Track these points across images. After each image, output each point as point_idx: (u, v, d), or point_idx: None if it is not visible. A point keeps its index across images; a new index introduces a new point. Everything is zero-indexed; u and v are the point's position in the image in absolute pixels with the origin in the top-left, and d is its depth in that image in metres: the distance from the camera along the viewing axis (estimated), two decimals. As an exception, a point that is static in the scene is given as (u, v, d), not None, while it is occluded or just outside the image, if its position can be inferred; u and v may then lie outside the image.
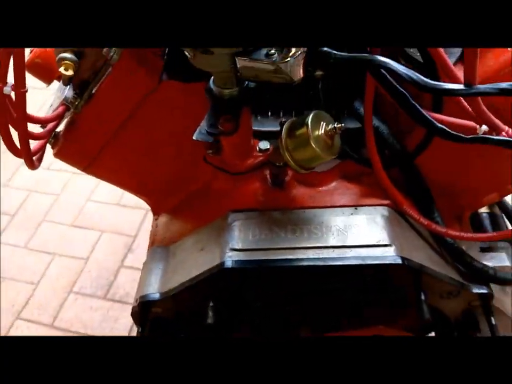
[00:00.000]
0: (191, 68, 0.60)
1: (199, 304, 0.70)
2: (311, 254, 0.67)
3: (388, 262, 0.65)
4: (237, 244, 0.69)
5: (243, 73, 0.57)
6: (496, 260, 0.86)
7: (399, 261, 0.65)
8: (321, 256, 0.66)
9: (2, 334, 1.64)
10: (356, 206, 0.72)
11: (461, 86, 0.52)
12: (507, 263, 0.88)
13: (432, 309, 0.74)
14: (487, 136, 0.57)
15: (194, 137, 0.63)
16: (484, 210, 1.06)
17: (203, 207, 0.80)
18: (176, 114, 0.74)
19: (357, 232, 0.69)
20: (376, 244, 0.67)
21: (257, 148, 0.74)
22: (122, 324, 1.70)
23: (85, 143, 0.78)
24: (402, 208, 0.72)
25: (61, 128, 0.81)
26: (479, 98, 0.55)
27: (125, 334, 1.66)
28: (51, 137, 0.80)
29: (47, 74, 0.75)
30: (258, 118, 0.79)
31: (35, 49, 0.74)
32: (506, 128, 0.60)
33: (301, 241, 0.68)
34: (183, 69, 0.64)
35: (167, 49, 0.70)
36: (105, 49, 0.65)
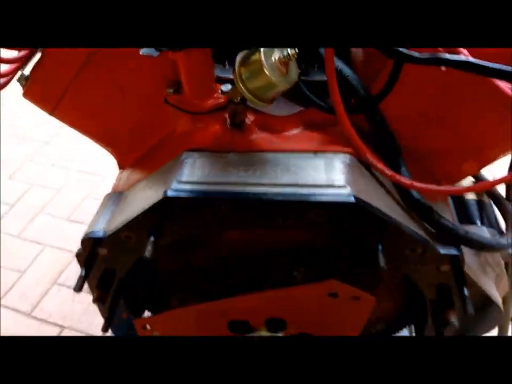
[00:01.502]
0: None
1: (140, 239, 0.66)
2: (261, 190, 0.63)
3: (339, 200, 0.60)
4: (185, 177, 0.65)
5: None
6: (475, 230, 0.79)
7: (352, 200, 0.60)
8: (269, 192, 0.62)
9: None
10: (315, 152, 0.68)
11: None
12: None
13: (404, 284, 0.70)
14: (442, 55, 0.53)
15: (141, 52, 0.62)
16: (471, 197, 1.00)
17: (161, 151, 0.77)
18: (138, 57, 0.74)
19: (313, 173, 0.64)
20: (330, 184, 0.63)
21: (219, 90, 0.73)
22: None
23: (49, 83, 0.78)
24: (365, 157, 0.67)
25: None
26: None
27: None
28: (22, 78, 0.80)
29: None
30: (227, 67, 0.78)
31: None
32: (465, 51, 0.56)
33: (252, 178, 0.64)
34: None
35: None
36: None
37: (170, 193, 0.63)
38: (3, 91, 0.79)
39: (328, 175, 0.64)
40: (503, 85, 0.58)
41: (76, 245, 0.79)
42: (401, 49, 0.57)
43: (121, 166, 0.89)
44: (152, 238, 0.65)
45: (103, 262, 0.75)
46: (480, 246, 0.70)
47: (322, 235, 0.65)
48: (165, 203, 0.63)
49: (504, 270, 0.83)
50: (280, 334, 0.73)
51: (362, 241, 0.64)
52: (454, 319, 0.72)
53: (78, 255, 0.75)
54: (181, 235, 0.67)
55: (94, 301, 0.79)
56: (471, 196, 0.98)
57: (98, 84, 0.77)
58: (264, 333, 0.76)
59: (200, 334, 0.78)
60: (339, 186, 0.62)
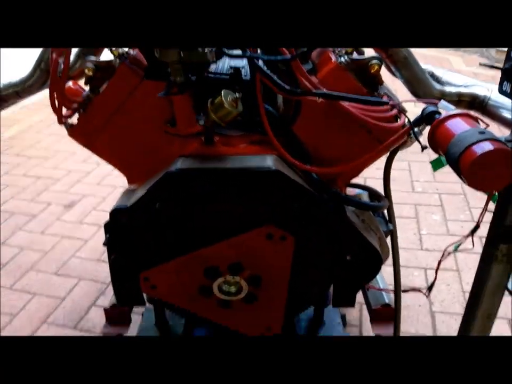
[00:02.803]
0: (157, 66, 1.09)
1: (149, 210, 1.03)
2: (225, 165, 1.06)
3: (267, 169, 1.04)
4: (179, 164, 1.08)
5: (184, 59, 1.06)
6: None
7: (275, 169, 1.04)
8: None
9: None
10: (255, 154, 1.14)
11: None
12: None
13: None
14: (315, 91, 1.04)
15: (158, 95, 1.10)
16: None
17: (163, 165, 1.20)
18: (152, 104, 1.21)
19: (253, 162, 1.09)
20: (262, 165, 1.07)
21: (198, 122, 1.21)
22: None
23: (90, 124, 1.22)
24: (284, 156, 1.14)
25: (72, 121, 1.26)
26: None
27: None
28: (67, 125, 1.25)
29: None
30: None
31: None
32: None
33: (220, 164, 1.08)
34: (155, 71, 1.14)
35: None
36: (113, 59, 1.16)
37: (170, 171, 1.05)
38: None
39: (261, 163, 1.09)
40: (355, 110, 1.08)
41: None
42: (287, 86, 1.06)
43: (130, 182, 1.30)
44: (158, 205, 1.04)
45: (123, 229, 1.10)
46: (359, 205, 1.10)
47: (258, 197, 1.02)
48: (167, 177, 1.05)
49: (384, 235, 1.23)
50: (238, 278, 1.08)
51: (284, 200, 1.05)
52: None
53: (105, 225, 1.11)
54: (179, 203, 1.03)
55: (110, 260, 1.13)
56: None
57: (122, 125, 1.21)
58: (228, 277, 1.13)
59: (186, 282, 1.10)
60: (268, 166, 1.06)
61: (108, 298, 2.02)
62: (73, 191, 3.02)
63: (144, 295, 1.21)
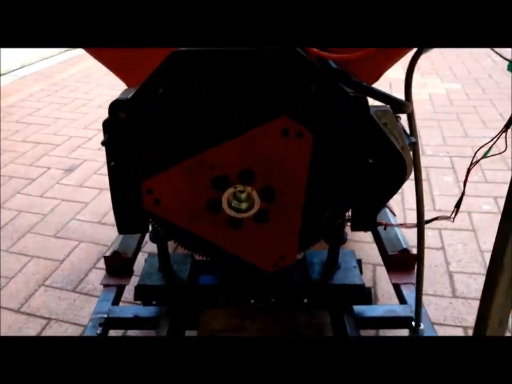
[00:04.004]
0: None
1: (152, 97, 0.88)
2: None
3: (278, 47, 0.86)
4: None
5: None
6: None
7: (289, 47, 0.85)
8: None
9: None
10: None
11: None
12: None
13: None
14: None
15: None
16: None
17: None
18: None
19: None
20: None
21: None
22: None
23: None
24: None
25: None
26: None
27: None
28: None
29: None
30: None
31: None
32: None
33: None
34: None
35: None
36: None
37: (175, 52, 0.87)
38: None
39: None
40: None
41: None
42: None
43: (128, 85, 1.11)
44: (161, 90, 0.88)
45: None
46: (380, 97, 0.94)
47: (271, 79, 0.88)
48: (174, 56, 0.87)
49: (407, 146, 1.01)
50: (250, 189, 0.95)
51: (300, 84, 0.88)
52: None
53: (104, 123, 0.94)
54: (185, 86, 0.88)
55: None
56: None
57: None
58: (239, 187, 0.96)
59: (193, 194, 0.97)
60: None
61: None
62: (74, 155, 2.91)
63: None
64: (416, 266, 1.21)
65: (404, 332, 1.39)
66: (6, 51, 4.44)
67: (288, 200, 0.99)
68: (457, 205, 1.05)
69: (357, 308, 1.35)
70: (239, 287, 1.29)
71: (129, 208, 1.04)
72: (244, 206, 1.01)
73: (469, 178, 2.24)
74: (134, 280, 1.55)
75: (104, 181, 2.59)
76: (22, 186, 2.58)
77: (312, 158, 0.95)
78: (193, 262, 1.38)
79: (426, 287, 1.77)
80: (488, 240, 2.00)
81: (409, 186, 1.12)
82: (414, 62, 1.00)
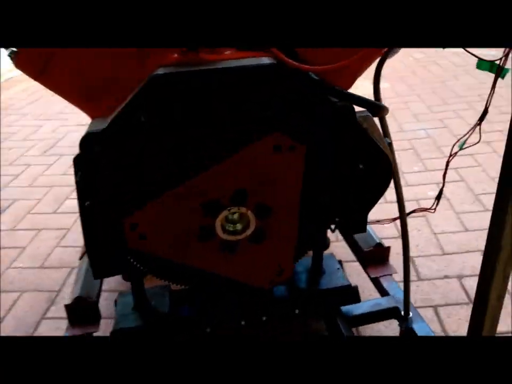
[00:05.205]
0: None
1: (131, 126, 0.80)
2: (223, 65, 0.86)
3: (264, 63, 0.85)
4: (162, 71, 0.82)
5: None
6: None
7: (274, 62, 0.84)
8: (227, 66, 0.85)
9: None
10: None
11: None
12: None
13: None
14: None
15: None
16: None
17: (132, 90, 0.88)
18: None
19: (243, 61, 0.88)
20: (258, 63, 0.87)
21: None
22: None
23: (36, 52, 0.89)
24: (280, 57, 0.89)
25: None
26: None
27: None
28: (11, 52, 0.90)
29: None
30: None
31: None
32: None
33: (213, 66, 0.87)
34: None
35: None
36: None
37: (155, 74, 0.80)
38: None
39: (259, 61, 0.88)
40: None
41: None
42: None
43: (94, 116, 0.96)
44: (142, 118, 0.80)
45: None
46: (360, 102, 0.97)
47: (259, 97, 0.85)
48: (153, 80, 0.79)
49: (387, 146, 1.03)
50: (244, 209, 0.91)
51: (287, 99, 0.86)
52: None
53: (75, 159, 0.84)
54: (164, 113, 0.82)
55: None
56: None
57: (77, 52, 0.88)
58: (233, 209, 0.91)
59: (183, 225, 0.91)
60: (268, 62, 0.87)
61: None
62: (1, 196, 2.61)
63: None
64: (402, 257, 1.24)
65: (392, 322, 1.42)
66: None
67: (284, 214, 0.96)
68: (438, 197, 1.09)
69: (344, 308, 1.35)
70: (227, 310, 1.22)
71: (108, 249, 0.93)
72: (239, 227, 0.97)
73: (410, 170, 2.33)
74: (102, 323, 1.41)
75: (41, 219, 2.38)
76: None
77: (306, 168, 0.94)
78: (170, 293, 1.28)
79: (394, 275, 1.83)
80: (439, 224, 2.11)
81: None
82: (380, 67, 1.05)
